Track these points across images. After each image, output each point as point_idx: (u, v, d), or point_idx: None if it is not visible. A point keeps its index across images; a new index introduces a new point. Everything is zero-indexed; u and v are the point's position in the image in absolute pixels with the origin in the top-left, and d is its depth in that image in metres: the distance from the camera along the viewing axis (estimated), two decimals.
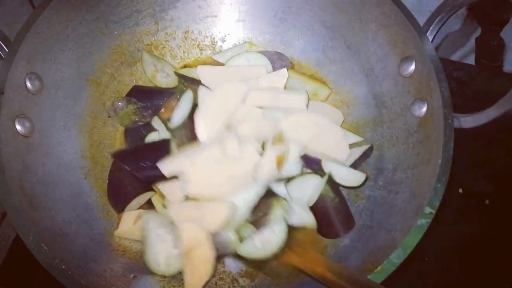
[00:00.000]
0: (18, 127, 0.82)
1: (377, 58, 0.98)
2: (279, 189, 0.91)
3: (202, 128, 0.94)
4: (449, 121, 0.80)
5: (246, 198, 0.88)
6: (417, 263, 0.98)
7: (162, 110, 1.02)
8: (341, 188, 0.95)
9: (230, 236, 0.85)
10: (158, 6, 1.06)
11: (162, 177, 0.90)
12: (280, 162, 0.90)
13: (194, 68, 1.04)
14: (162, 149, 0.94)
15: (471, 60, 1.30)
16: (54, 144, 0.90)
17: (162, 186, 0.92)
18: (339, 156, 0.94)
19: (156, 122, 1.00)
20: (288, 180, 0.93)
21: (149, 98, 1.01)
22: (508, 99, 0.86)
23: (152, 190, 0.94)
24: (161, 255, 0.84)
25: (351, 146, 0.97)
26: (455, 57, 1.42)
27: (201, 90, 1.00)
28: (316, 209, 0.91)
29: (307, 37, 1.08)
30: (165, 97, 1.02)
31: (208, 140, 0.93)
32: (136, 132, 1.01)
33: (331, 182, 0.92)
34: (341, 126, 1.02)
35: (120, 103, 0.99)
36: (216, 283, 0.87)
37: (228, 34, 1.13)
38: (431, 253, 1.00)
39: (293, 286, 0.87)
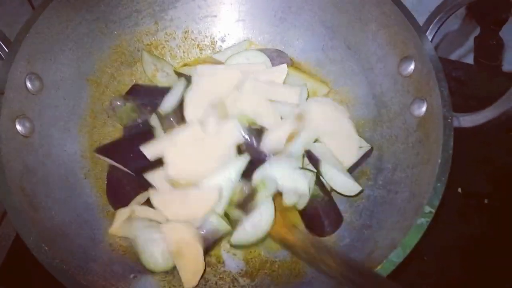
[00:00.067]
0: (18, 127, 0.82)
1: (376, 57, 0.98)
2: (262, 172, 0.90)
3: (190, 109, 0.94)
4: (449, 120, 0.80)
5: (228, 176, 0.87)
6: (417, 263, 0.99)
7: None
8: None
9: (216, 224, 0.85)
10: (157, 6, 1.06)
11: (151, 167, 0.90)
12: (290, 138, 0.91)
13: (194, 67, 1.03)
14: (146, 137, 0.93)
15: (470, 60, 1.31)
16: (54, 144, 0.90)
17: (149, 176, 0.92)
18: (345, 160, 0.94)
19: (154, 120, 1.00)
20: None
21: (148, 96, 1.01)
22: (507, 98, 0.87)
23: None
24: (157, 254, 0.84)
25: None
26: (454, 56, 1.42)
27: (195, 73, 0.99)
28: (306, 209, 0.91)
29: (307, 37, 1.08)
30: (164, 95, 1.02)
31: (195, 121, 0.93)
32: (134, 130, 1.00)
33: (320, 182, 0.92)
34: None
35: (118, 102, 0.98)
36: (216, 283, 0.88)
37: (228, 34, 1.13)
38: (430, 253, 1.01)
39: (293, 285, 0.87)
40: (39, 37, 0.86)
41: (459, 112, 0.89)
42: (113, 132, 1.02)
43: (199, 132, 0.90)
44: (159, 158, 0.90)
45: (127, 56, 1.06)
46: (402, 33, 0.90)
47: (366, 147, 0.96)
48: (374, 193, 0.92)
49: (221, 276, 0.89)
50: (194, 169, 0.89)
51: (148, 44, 1.08)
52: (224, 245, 0.93)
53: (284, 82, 0.99)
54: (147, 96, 1.01)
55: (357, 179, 0.95)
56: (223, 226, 0.85)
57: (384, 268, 0.70)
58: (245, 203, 0.87)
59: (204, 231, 0.85)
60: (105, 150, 0.94)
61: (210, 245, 0.87)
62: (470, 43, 1.33)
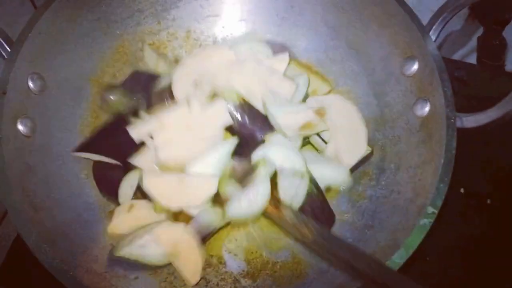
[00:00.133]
0: (20, 127, 0.82)
1: (379, 57, 0.98)
2: (262, 151, 0.90)
3: (178, 87, 0.94)
4: (452, 120, 0.80)
5: (217, 159, 0.87)
6: (419, 263, 0.98)
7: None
8: (341, 187, 0.96)
9: (209, 214, 0.85)
10: (160, 5, 1.05)
11: (135, 151, 0.91)
12: (304, 128, 0.91)
13: None
14: (122, 124, 0.92)
15: (472, 60, 1.30)
16: (56, 144, 0.90)
17: (135, 160, 0.91)
18: (351, 157, 0.94)
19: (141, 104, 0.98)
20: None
21: (144, 85, 0.99)
22: (511, 99, 0.86)
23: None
24: (157, 253, 0.83)
25: None
26: (456, 56, 1.42)
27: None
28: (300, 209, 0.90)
29: (309, 37, 1.08)
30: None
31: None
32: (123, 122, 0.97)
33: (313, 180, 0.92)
34: None
35: (110, 95, 0.97)
36: (217, 284, 0.87)
37: (230, 34, 1.12)
38: (433, 253, 1.00)
39: (294, 286, 0.87)
40: (41, 37, 0.86)
41: (462, 112, 0.88)
42: None
43: (187, 113, 0.90)
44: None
45: (129, 56, 1.05)
46: (405, 33, 0.90)
47: (366, 149, 0.96)
48: (377, 194, 0.92)
49: (222, 277, 0.88)
50: (183, 152, 0.88)
51: (150, 44, 1.07)
52: (225, 246, 0.92)
53: (284, 75, 0.99)
54: (142, 86, 0.99)
55: (359, 179, 0.96)
56: (216, 220, 0.85)
57: None
58: (243, 178, 0.87)
59: (197, 225, 0.85)
60: (85, 146, 0.92)
61: (205, 236, 0.87)
62: (473, 43, 1.33)
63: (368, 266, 0.67)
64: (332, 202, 0.95)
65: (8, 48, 0.85)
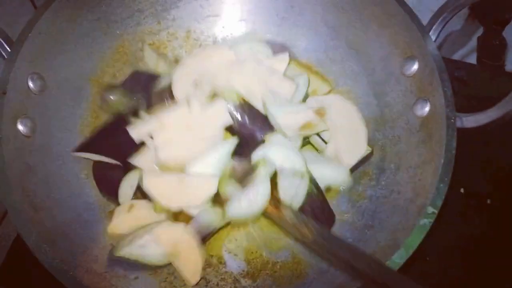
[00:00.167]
0: (20, 127, 0.82)
1: (379, 57, 0.98)
2: (262, 151, 0.90)
3: (178, 87, 0.94)
4: (452, 120, 0.80)
5: (216, 159, 0.88)
6: (419, 263, 0.98)
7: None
8: (341, 187, 0.96)
9: (209, 214, 0.86)
10: (160, 5, 1.05)
11: (135, 151, 0.91)
12: (304, 128, 0.91)
13: None
14: (122, 124, 0.92)
15: (472, 60, 1.30)
16: (56, 144, 0.90)
17: (135, 160, 0.91)
18: (351, 157, 0.94)
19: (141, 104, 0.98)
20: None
21: (144, 85, 0.99)
22: (511, 99, 0.86)
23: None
24: (157, 253, 0.83)
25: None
26: (456, 56, 1.42)
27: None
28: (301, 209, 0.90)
29: (309, 37, 1.07)
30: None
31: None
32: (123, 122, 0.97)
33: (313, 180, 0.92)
34: None
35: (109, 95, 0.97)
36: (217, 284, 0.87)
37: (231, 34, 1.12)
38: (432, 253, 1.00)
39: (294, 286, 0.87)
40: (41, 37, 0.86)
41: (462, 112, 0.88)
42: None
43: (187, 113, 0.90)
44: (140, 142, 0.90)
45: (129, 56, 1.05)
46: (405, 33, 0.90)
47: (366, 149, 0.96)
48: (377, 194, 0.92)
49: (222, 277, 0.88)
50: (183, 152, 0.88)
51: (150, 44, 1.07)
52: (225, 246, 0.92)
53: (284, 75, 0.99)
54: (142, 86, 0.99)
55: (359, 179, 0.96)
56: (216, 220, 0.85)
57: None
58: (243, 178, 0.87)
59: (197, 224, 0.85)
60: (87, 146, 0.92)
61: (205, 236, 0.87)
62: (472, 43, 1.33)
63: (368, 266, 0.67)
64: (332, 202, 0.95)
65: (8, 48, 0.85)
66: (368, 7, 0.96)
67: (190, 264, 0.84)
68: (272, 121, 0.92)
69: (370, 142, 0.97)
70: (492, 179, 1.10)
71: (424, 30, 0.88)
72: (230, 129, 0.94)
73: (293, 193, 0.87)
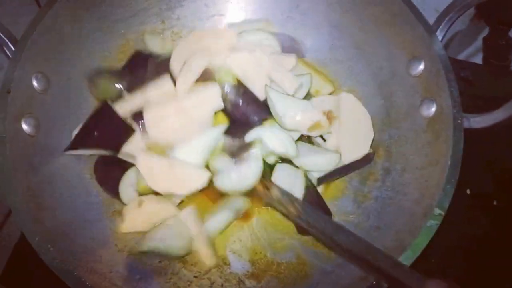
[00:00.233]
0: (24, 126, 0.82)
1: (384, 57, 0.97)
2: (256, 133, 0.91)
3: (175, 64, 0.95)
4: (459, 121, 0.79)
5: (203, 144, 0.89)
6: (424, 264, 0.96)
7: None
8: (348, 188, 0.96)
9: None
10: (164, 4, 1.05)
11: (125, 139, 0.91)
12: (312, 129, 0.92)
13: None
14: (107, 114, 0.92)
15: (478, 60, 1.30)
16: (60, 143, 0.90)
17: (126, 148, 0.91)
18: (348, 156, 0.94)
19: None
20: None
21: (141, 68, 0.99)
22: None
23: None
24: (178, 245, 0.86)
25: None
26: (462, 56, 1.41)
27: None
28: None
29: (314, 36, 1.07)
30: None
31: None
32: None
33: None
34: None
35: (98, 78, 0.97)
36: (222, 285, 0.87)
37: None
38: (438, 254, 1.00)
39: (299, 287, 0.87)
40: (45, 36, 0.86)
41: (468, 113, 0.88)
42: None
43: (180, 95, 0.91)
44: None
45: None
46: (411, 33, 0.89)
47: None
48: (382, 195, 0.92)
49: (227, 278, 0.88)
50: (172, 132, 0.89)
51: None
52: (229, 246, 0.92)
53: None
54: (139, 69, 0.99)
55: (365, 180, 0.95)
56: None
57: None
58: (237, 152, 0.88)
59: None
60: (75, 143, 0.91)
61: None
62: (478, 43, 1.32)
63: (347, 238, 0.72)
64: (337, 203, 0.95)
65: (12, 47, 0.85)
66: (373, 6, 0.96)
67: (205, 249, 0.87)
68: (276, 117, 0.92)
69: (376, 142, 0.96)
70: (499, 180, 1.09)
71: (430, 30, 0.87)
72: (224, 110, 0.94)
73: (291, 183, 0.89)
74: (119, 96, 0.96)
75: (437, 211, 0.73)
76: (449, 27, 0.91)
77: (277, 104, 0.92)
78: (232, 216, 0.91)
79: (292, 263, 0.90)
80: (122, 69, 1.00)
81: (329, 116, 0.93)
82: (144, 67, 0.98)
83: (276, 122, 0.93)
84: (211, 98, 0.91)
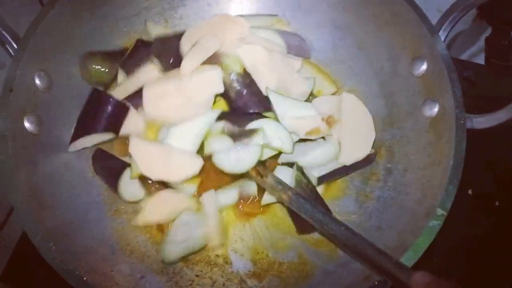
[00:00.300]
0: (26, 124, 0.81)
1: (387, 57, 0.97)
2: (257, 124, 0.91)
3: (185, 44, 0.95)
4: (461, 121, 0.79)
5: (196, 130, 0.89)
6: (426, 264, 0.97)
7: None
8: (350, 188, 0.96)
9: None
10: (167, 4, 1.05)
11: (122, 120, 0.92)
12: (312, 133, 0.93)
13: None
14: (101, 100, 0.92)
15: (480, 60, 1.30)
16: (62, 142, 0.90)
17: (123, 130, 0.93)
18: (348, 158, 0.94)
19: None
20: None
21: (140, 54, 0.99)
22: None
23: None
24: (197, 240, 0.88)
25: None
26: (464, 56, 1.41)
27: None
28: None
29: (317, 36, 1.07)
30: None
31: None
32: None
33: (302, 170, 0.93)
34: None
35: (90, 62, 0.96)
36: (224, 284, 0.87)
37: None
38: (440, 254, 0.99)
39: (301, 287, 0.87)
40: (48, 34, 0.86)
41: (470, 113, 0.88)
42: None
43: (182, 75, 0.91)
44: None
45: None
46: (414, 33, 0.89)
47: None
48: (384, 195, 0.92)
49: (228, 277, 0.88)
50: (170, 111, 0.90)
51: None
52: (231, 246, 0.92)
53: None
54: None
55: (367, 180, 0.95)
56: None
57: None
58: (238, 136, 0.89)
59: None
60: (76, 134, 0.91)
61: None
62: (480, 43, 1.32)
63: (337, 226, 0.76)
64: (339, 203, 0.95)
65: (15, 45, 0.85)
66: (376, 6, 0.96)
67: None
68: (279, 118, 0.92)
69: (378, 142, 0.96)
70: (501, 181, 1.09)
71: (433, 30, 0.87)
72: (226, 97, 0.95)
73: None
74: (111, 79, 0.97)
75: (440, 211, 0.73)
76: (452, 27, 0.91)
77: (277, 106, 0.92)
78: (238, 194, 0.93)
79: (294, 262, 0.90)
80: (114, 52, 1.00)
81: (329, 121, 0.93)
82: (143, 52, 0.98)
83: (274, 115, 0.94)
84: (213, 81, 0.91)
